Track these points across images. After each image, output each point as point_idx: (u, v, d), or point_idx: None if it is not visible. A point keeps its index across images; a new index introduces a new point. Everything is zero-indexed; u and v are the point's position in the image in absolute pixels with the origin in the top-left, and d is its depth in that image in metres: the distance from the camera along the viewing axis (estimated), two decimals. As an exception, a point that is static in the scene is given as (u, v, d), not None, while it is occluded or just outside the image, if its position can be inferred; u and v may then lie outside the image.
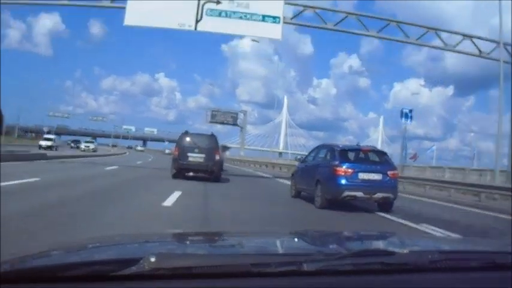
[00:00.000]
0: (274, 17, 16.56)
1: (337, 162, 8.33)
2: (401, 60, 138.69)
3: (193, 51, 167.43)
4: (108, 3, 17.14)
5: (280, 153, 65.95)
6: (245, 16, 16.40)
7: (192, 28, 16.36)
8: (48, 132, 46.03)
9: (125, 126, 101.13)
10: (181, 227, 5.57)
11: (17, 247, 1.44)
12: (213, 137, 14.28)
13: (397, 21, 18.14)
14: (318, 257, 1.09)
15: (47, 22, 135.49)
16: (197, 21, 16.29)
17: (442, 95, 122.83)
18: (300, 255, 1.14)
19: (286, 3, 16.91)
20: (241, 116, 64.68)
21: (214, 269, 0.97)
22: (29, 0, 18.19)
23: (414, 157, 45.40)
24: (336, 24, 17.34)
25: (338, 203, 8.16)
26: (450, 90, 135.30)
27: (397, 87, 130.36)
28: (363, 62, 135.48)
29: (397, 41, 18.49)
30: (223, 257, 1.13)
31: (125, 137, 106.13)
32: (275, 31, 16.79)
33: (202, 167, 13.45)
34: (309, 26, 18.52)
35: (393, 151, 78.40)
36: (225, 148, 27.55)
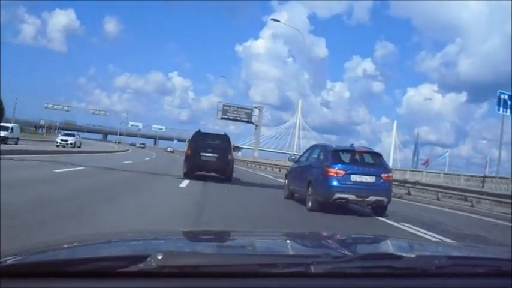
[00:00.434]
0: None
1: (328, 163, 8.09)
2: (415, 65, 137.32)
3: (207, 50, 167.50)
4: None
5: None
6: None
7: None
8: (48, 128, 39.61)
9: (131, 123, 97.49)
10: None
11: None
12: (225, 137, 14.38)
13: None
14: (325, 259, 1.09)
15: (62, 18, 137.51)
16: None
17: (455, 101, 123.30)
18: (308, 257, 1.14)
19: None
20: (256, 112, 57.15)
21: (221, 268, 0.97)
22: None
23: (426, 163, 45.50)
24: None
25: (331, 206, 7.90)
26: (463, 96, 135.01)
27: (411, 92, 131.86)
28: (376, 66, 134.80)
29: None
30: (231, 257, 1.14)
31: (133, 135, 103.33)
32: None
33: (214, 166, 13.54)
34: None
35: (406, 156, 77.68)
36: (237, 149, 29.37)
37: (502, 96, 18.04)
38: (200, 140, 13.98)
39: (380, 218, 8.02)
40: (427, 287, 1.05)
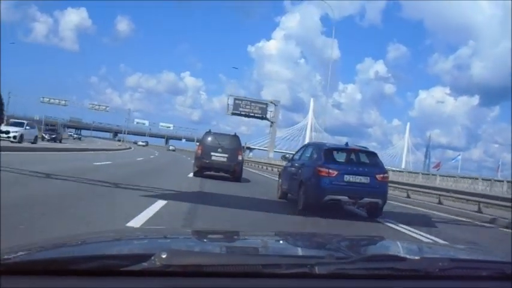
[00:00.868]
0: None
1: (320, 162, 7.67)
2: (428, 68, 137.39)
3: (219, 51, 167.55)
4: None
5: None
6: None
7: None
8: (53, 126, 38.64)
9: (137, 120, 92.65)
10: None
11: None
12: (236, 137, 14.47)
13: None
14: (329, 260, 1.08)
15: (74, 17, 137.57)
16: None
17: (467, 104, 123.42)
18: (312, 258, 1.16)
19: None
20: (271, 107, 50.50)
21: (225, 268, 0.96)
22: None
23: (438, 166, 44.99)
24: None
25: (323, 208, 7.54)
26: (475, 99, 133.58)
27: (423, 94, 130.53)
28: (389, 68, 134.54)
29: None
30: (235, 256, 1.14)
31: (141, 134, 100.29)
32: None
33: (224, 166, 13.67)
34: None
35: (417, 159, 79.04)
36: (248, 149, 25.00)
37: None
38: (210, 140, 14.05)
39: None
40: None
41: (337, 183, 7.34)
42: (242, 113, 48.50)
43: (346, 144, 8.84)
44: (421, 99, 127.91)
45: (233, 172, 13.70)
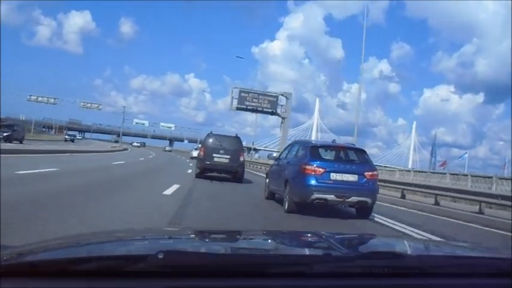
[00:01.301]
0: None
1: (306, 160, 7.35)
2: (432, 66, 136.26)
3: (223, 52, 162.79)
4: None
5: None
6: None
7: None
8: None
9: (136, 120, 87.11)
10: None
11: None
12: (237, 138, 14.52)
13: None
14: (327, 258, 1.09)
15: (78, 20, 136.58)
16: None
17: (471, 102, 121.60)
18: (309, 257, 1.19)
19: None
20: (282, 100, 43.99)
21: (222, 267, 0.97)
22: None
23: (444, 164, 44.53)
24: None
25: (309, 207, 7.23)
26: (480, 97, 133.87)
27: (427, 93, 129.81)
28: (393, 67, 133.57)
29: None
30: (232, 256, 1.15)
31: (143, 135, 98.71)
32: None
33: (227, 167, 13.75)
34: None
35: (422, 158, 78.26)
36: (254, 150, 23.17)
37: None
38: (212, 142, 14.18)
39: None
40: (428, 286, 1.06)
41: (323, 181, 7.08)
42: (249, 107, 41.58)
43: (333, 141, 8.83)
44: (426, 97, 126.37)
45: (235, 173, 13.82)
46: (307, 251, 1.41)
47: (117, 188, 9.02)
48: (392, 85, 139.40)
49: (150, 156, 33.98)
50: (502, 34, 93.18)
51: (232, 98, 41.75)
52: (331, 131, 78.97)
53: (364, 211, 7.54)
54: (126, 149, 46.66)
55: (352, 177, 7.19)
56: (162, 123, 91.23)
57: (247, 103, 41.25)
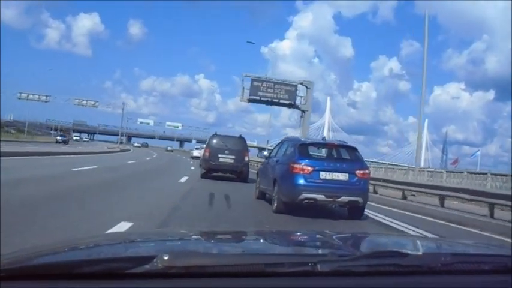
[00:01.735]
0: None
1: (294, 159, 7.08)
2: (442, 64, 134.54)
3: (233, 52, 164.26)
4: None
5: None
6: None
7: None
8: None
9: (140, 120, 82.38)
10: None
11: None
12: (241, 139, 14.63)
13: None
14: (331, 257, 1.08)
15: (87, 22, 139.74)
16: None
17: (482, 99, 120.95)
18: (314, 256, 1.16)
19: None
20: (302, 91, 37.27)
21: (227, 268, 0.96)
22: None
23: (456, 162, 43.85)
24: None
25: (299, 207, 6.93)
26: (491, 94, 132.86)
27: (437, 91, 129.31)
28: (403, 65, 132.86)
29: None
30: (237, 257, 1.13)
31: (151, 137, 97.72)
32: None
33: (232, 167, 13.87)
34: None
35: (433, 156, 77.79)
36: (263, 150, 22.35)
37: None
38: (217, 142, 14.27)
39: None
40: (433, 284, 1.05)
41: (312, 181, 6.82)
42: (263, 99, 34.96)
43: (323, 139, 8.96)
44: (436, 95, 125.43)
45: (240, 173, 13.81)
46: (312, 251, 1.41)
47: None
48: (402, 83, 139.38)
49: (148, 158, 32.16)
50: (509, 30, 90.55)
51: (244, 88, 35.14)
52: (342, 129, 79.66)
53: (355, 211, 7.22)
54: (127, 150, 45.01)
55: (342, 176, 6.92)
56: (168, 122, 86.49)
57: (261, 94, 34.50)
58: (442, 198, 11.06)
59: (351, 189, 6.86)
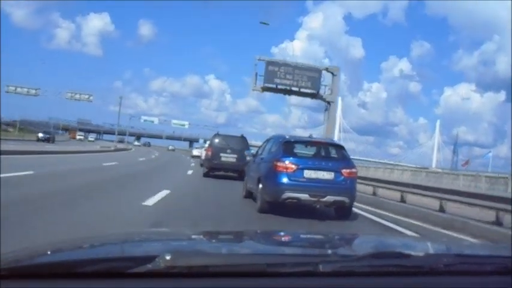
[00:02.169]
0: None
1: (278, 156, 6.86)
2: (452, 64, 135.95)
3: (243, 53, 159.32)
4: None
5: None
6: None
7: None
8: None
9: (144, 117, 77.82)
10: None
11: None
12: (243, 138, 14.74)
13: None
14: (334, 258, 1.10)
15: (97, 22, 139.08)
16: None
17: (493, 100, 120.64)
18: (316, 256, 1.15)
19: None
20: (327, 78, 30.78)
21: (229, 268, 0.97)
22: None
23: (466, 163, 45.54)
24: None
25: (281, 206, 6.71)
26: (501, 95, 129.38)
27: (448, 92, 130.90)
28: (413, 66, 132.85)
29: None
30: (239, 257, 1.13)
31: (158, 137, 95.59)
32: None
33: (234, 166, 13.80)
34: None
35: (444, 157, 76.45)
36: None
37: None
38: (219, 142, 14.47)
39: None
40: (435, 285, 1.05)
41: (296, 179, 6.58)
42: (280, 86, 28.79)
43: (310, 136, 8.32)
44: (447, 96, 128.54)
45: (242, 172, 13.00)
46: (314, 251, 1.40)
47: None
48: (412, 84, 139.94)
49: (141, 159, 27.90)
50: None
51: (256, 74, 28.94)
52: (353, 130, 78.98)
53: (342, 211, 7.01)
54: (124, 149, 42.71)
55: (328, 175, 6.70)
56: (174, 121, 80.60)
57: (278, 81, 28.20)
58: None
59: (337, 189, 6.62)
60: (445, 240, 4.46)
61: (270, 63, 28.47)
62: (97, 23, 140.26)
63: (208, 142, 17.48)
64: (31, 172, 10.15)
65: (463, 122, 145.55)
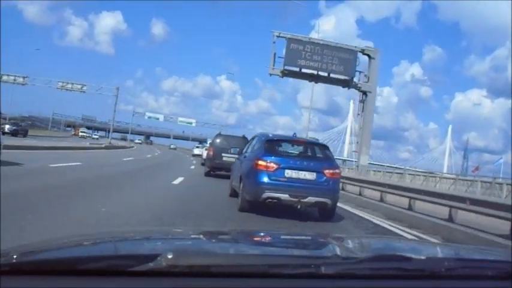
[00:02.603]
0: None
1: (259, 155, 6.76)
2: (464, 70, 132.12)
3: (255, 54, 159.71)
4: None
5: (344, 161, 56.44)
6: None
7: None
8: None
9: (149, 114, 73.85)
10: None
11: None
12: (245, 139, 14.52)
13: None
14: (335, 260, 1.09)
15: (109, 21, 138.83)
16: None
17: (504, 106, 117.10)
18: (318, 258, 1.14)
19: None
20: (363, 63, 24.47)
21: (231, 268, 0.97)
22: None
23: (477, 169, 43.22)
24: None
25: (262, 206, 6.65)
26: None
27: (459, 97, 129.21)
28: (425, 70, 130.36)
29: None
30: (241, 257, 1.13)
31: (166, 136, 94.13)
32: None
33: None
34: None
35: (454, 163, 76.35)
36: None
37: None
38: (221, 142, 14.69)
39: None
40: None
41: (276, 179, 6.45)
42: (304, 70, 22.81)
43: (294, 135, 8.19)
44: (458, 101, 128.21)
45: None
46: (316, 253, 1.40)
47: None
48: (424, 89, 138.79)
49: (128, 158, 25.13)
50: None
51: (275, 55, 22.80)
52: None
53: (325, 213, 6.92)
54: (122, 147, 42.11)
55: (309, 175, 6.57)
56: (180, 118, 76.06)
57: (302, 62, 22.01)
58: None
59: (319, 190, 6.52)
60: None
61: (292, 40, 22.09)
62: (109, 21, 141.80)
63: (210, 140, 16.75)
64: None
65: (473, 128, 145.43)
